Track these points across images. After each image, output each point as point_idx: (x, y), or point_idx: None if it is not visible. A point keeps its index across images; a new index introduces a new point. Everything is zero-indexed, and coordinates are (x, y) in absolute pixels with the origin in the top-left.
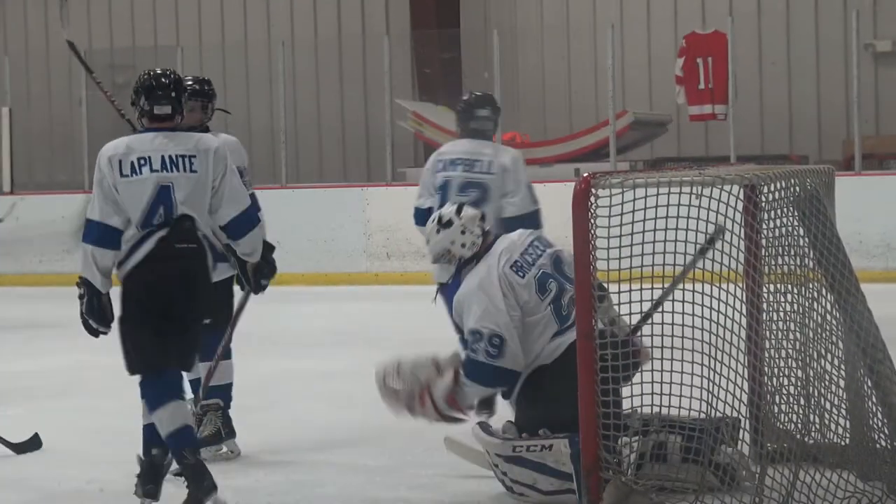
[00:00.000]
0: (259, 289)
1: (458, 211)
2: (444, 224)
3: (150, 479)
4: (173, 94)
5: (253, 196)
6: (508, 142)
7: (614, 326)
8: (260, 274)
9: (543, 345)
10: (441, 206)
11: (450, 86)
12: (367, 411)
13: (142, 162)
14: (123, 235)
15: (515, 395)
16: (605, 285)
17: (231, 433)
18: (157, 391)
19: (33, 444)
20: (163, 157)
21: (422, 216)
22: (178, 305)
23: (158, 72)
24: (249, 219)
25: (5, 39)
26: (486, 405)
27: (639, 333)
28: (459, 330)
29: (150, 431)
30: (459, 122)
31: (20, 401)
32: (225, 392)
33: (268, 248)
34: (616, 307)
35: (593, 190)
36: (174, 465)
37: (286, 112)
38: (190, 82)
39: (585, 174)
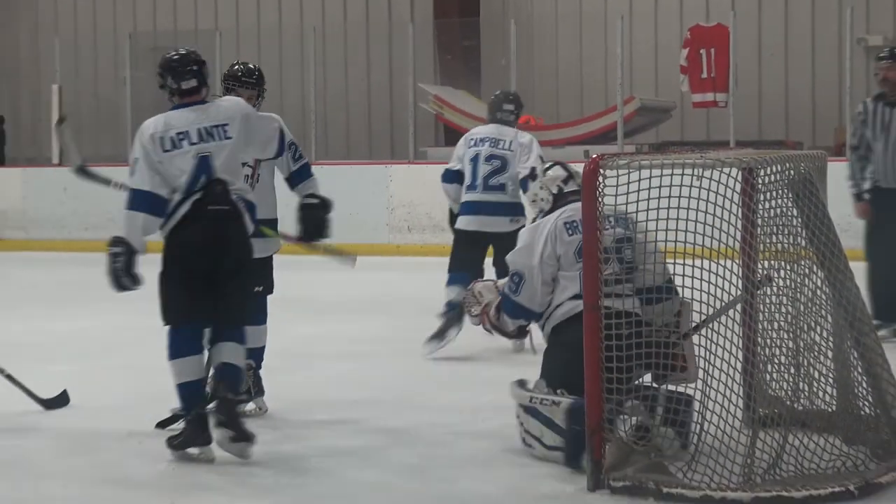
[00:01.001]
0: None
1: (547, 169)
2: (533, 177)
3: (201, 433)
4: (195, 68)
5: (307, 164)
6: (523, 125)
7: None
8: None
9: (563, 299)
10: (472, 172)
11: (469, 72)
12: (386, 374)
13: (181, 136)
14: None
15: (546, 344)
16: (677, 288)
17: (260, 391)
18: (180, 344)
19: (61, 400)
20: (199, 129)
21: (449, 175)
22: (211, 262)
23: (181, 51)
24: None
25: (56, 22)
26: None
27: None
28: None
29: (195, 387)
30: (490, 111)
31: (63, 359)
32: (257, 354)
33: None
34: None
35: (601, 170)
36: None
37: (316, 93)
38: (240, 71)
39: (594, 155)
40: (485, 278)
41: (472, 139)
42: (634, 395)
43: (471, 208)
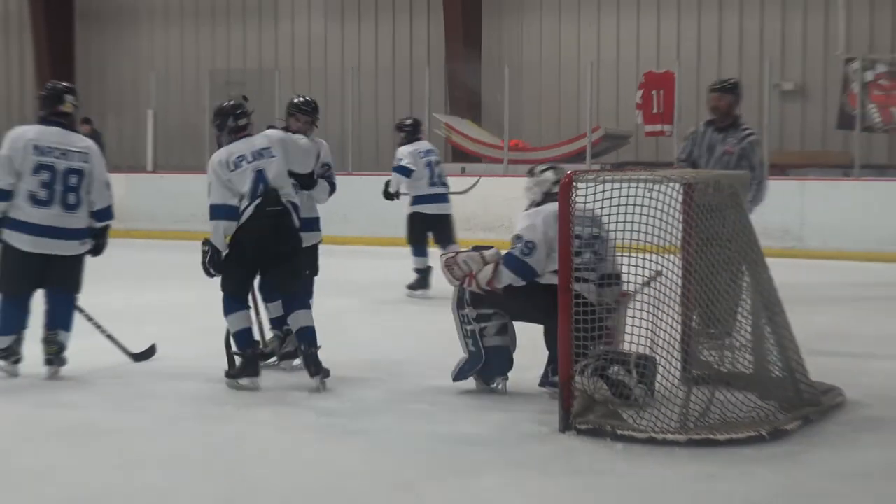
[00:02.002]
0: None
1: (542, 172)
2: (529, 174)
3: (252, 367)
4: (245, 111)
5: (333, 183)
6: (513, 147)
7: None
8: None
9: (545, 272)
10: (431, 174)
11: (472, 105)
12: (404, 339)
13: (240, 158)
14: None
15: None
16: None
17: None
18: (232, 305)
19: (149, 352)
20: (252, 152)
21: (406, 171)
22: (269, 248)
23: (232, 102)
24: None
25: (152, 60)
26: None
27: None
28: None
29: (243, 335)
30: (412, 134)
31: (151, 322)
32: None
33: None
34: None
35: (574, 183)
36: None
37: (353, 119)
38: (300, 102)
39: (568, 171)
40: (464, 250)
41: (420, 152)
42: (615, 360)
43: (436, 198)
